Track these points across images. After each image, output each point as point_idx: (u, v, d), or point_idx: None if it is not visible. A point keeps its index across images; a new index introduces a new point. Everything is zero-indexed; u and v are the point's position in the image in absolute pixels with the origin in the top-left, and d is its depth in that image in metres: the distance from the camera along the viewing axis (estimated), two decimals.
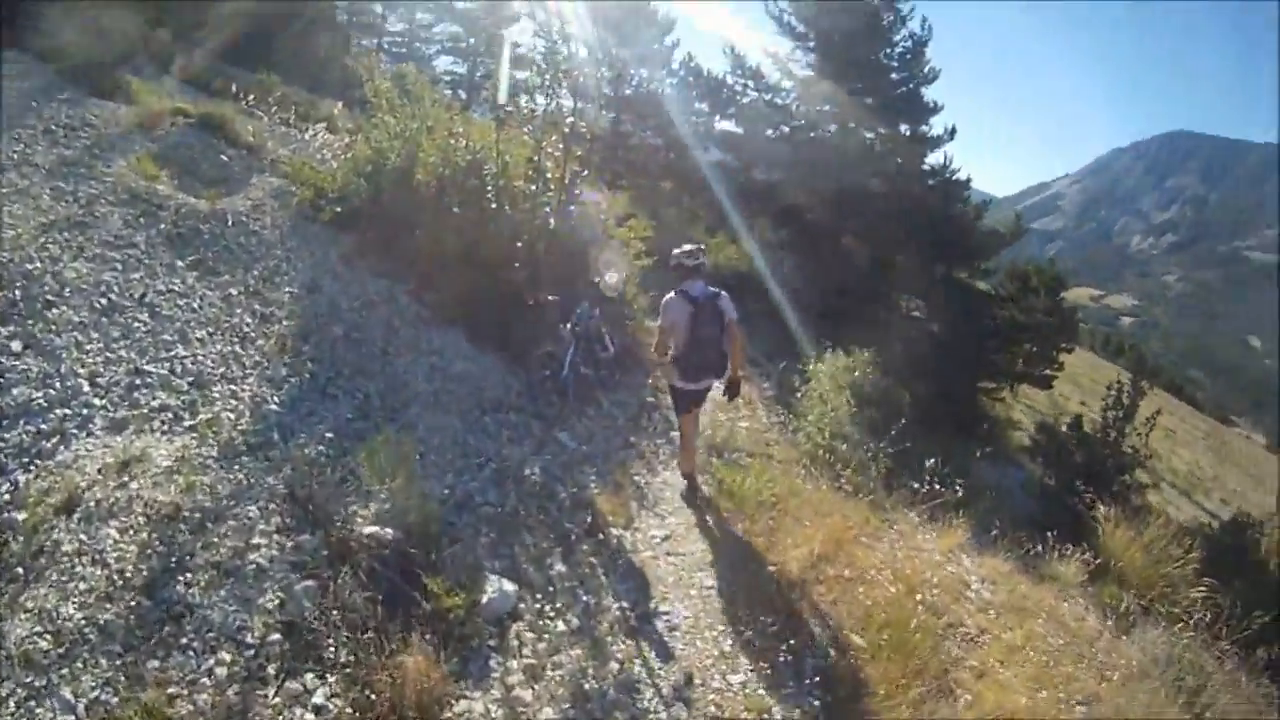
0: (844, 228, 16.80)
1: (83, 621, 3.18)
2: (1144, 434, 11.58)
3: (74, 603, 3.25)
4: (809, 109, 18.02)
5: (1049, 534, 7.16)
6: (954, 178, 17.10)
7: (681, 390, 5.80)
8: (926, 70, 17.09)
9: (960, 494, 6.84)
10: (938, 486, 6.80)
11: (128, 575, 3.42)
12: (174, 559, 3.57)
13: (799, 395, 8.69)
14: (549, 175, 7.53)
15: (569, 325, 7.14)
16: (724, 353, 5.57)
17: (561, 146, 7.58)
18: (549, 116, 7.56)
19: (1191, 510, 18.89)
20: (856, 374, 8.64)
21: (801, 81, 18.01)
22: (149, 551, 3.56)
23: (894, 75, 17.17)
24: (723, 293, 5.58)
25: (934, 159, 17.61)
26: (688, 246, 5.61)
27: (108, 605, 3.27)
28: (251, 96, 9.51)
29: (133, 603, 3.32)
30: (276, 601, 3.56)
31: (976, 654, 4.91)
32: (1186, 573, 7.17)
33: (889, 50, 17.13)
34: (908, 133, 17.39)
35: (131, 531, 3.63)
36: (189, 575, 3.53)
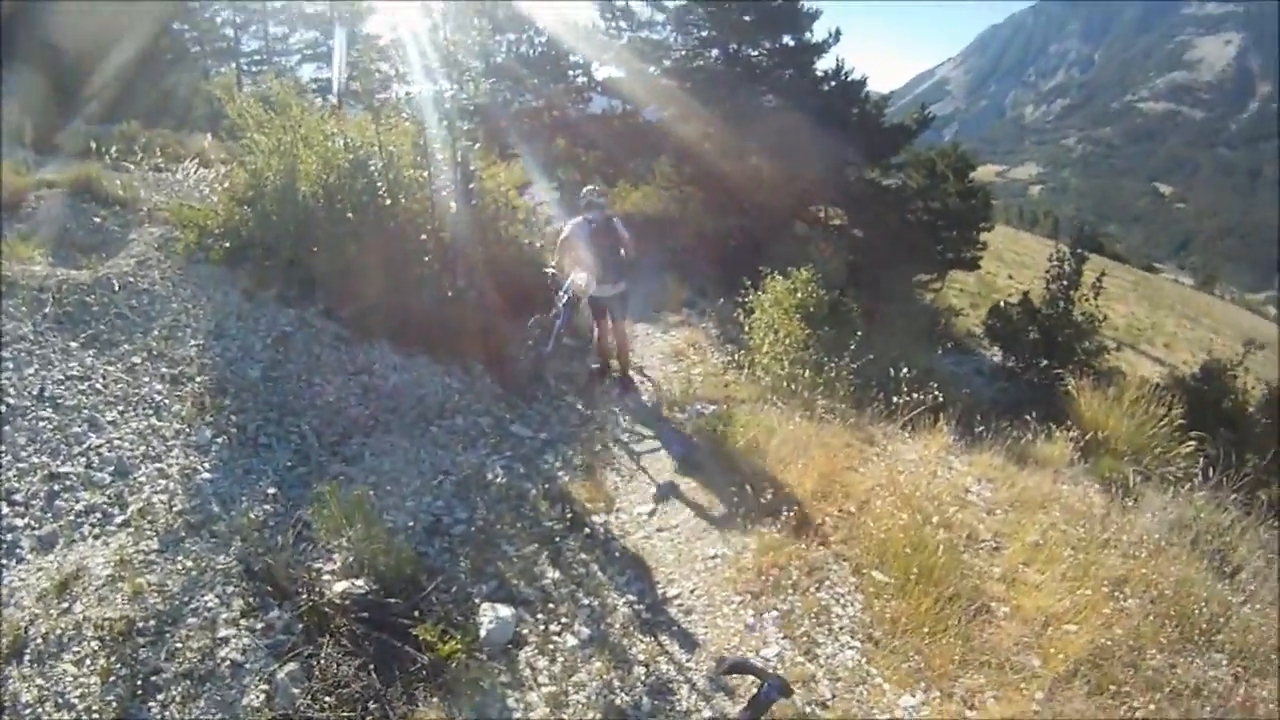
0: (747, 150, 16.39)
1: None
2: (1091, 298, 11.60)
3: None
4: (686, 38, 17.46)
5: (1028, 417, 7.10)
6: (849, 79, 16.81)
7: (596, 298, 6.89)
8: None
9: (939, 398, 6.68)
10: (914, 395, 6.63)
11: (96, 713, 3.05)
12: (140, 680, 3.20)
13: (746, 329, 8.41)
14: (440, 158, 7.07)
15: (562, 293, 6.98)
16: (621, 260, 6.85)
17: (446, 125, 7.12)
18: (422, 102, 7.10)
19: (1137, 359, 19.40)
20: (800, 295, 8.31)
21: (674, 12, 17.35)
22: (112, 679, 3.18)
23: None
24: (615, 216, 7.09)
25: (826, 64, 17.25)
26: (588, 187, 7.06)
27: None
28: (115, 149, 8.85)
29: None
30: (261, 697, 3.21)
31: (999, 560, 4.83)
32: (1173, 429, 7.21)
33: None
34: (792, 43, 16.96)
35: (88, 661, 3.25)
36: (161, 694, 3.16)
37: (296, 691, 3.20)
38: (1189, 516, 5.42)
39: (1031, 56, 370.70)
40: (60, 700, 3.08)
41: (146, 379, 5.21)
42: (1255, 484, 6.06)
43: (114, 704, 3.08)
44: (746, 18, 16.25)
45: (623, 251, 6.83)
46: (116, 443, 4.60)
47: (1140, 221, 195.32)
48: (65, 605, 3.49)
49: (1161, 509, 5.56)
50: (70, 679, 3.16)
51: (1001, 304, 13.88)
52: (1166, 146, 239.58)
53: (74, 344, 5.31)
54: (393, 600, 3.64)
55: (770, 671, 2.07)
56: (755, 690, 1.92)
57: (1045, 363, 11.25)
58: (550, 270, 7.19)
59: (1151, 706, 3.72)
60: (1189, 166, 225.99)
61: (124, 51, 14.60)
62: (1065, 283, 11.67)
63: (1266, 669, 4.08)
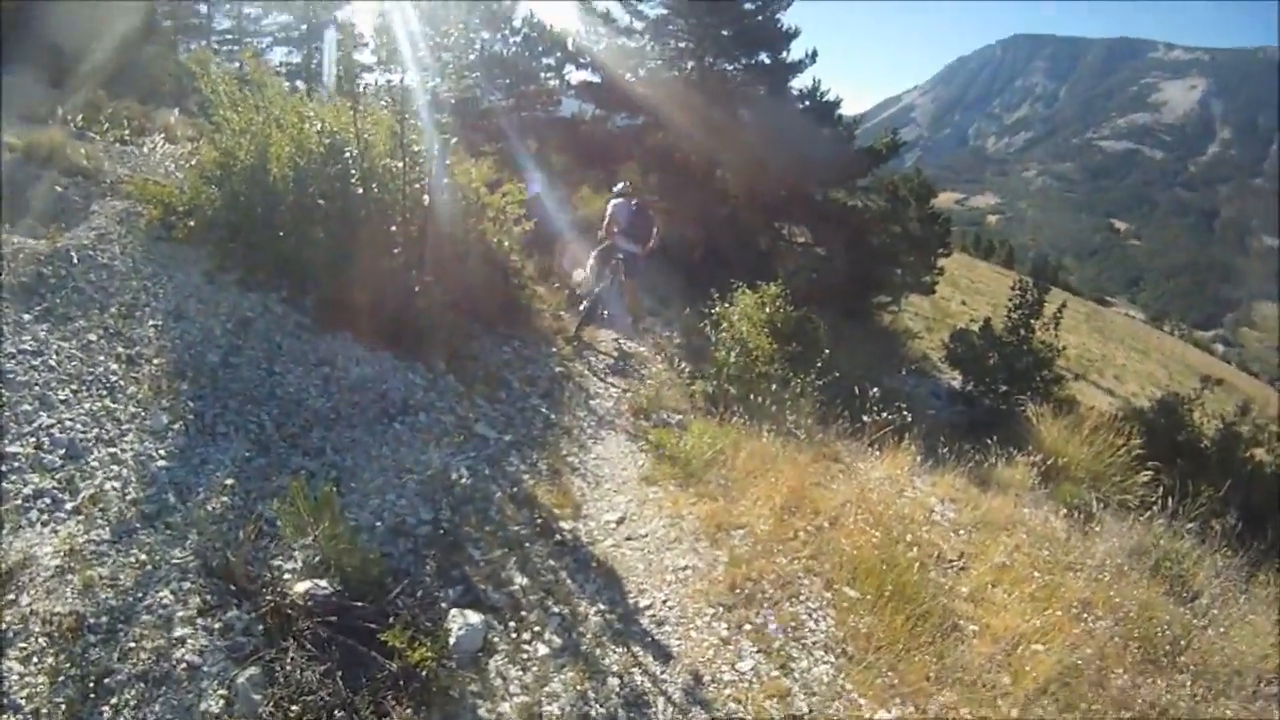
0: (716, 164, 16.48)
1: None
2: (1051, 328, 11.83)
3: None
4: (664, 48, 17.30)
5: (989, 440, 7.19)
6: (824, 100, 16.98)
7: (614, 247, 8.90)
8: None
9: (908, 418, 6.73)
10: (882, 414, 6.71)
11: (45, 715, 2.83)
12: (91, 681, 2.98)
13: (713, 341, 8.41)
14: (416, 149, 6.91)
15: (617, 259, 8.80)
16: (648, 234, 9.13)
17: (423, 117, 6.99)
18: (402, 91, 6.91)
19: (1089, 390, 19.85)
20: (768, 310, 8.32)
21: (653, 21, 17.11)
22: (61, 679, 2.96)
23: (747, 4, 16.50)
24: (643, 203, 9.45)
25: (801, 83, 17.42)
26: (620, 185, 9.49)
27: None
28: (80, 118, 8.54)
29: None
30: (221, 703, 3.03)
31: (967, 580, 4.87)
32: (1129, 459, 7.40)
33: None
34: (768, 60, 17.02)
35: (35, 659, 3.01)
36: (114, 698, 2.95)
37: (258, 698, 3.04)
38: (1148, 543, 5.53)
39: (997, 89, 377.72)
40: (4, 701, 2.86)
41: (102, 358, 4.94)
42: (1210, 514, 6.23)
43: (63, 706, 2.87)
44: (725, 32, 16.25)
45: (655, 229, 9.20)
46: (69, 423, 4.33)
47: (1095, 256, 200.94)
48: (11, 597, 3.24)
49: (1121, 535, 5.65)
50: (16, 678, 2.94)
51: (963, 328, 14.08)
52: (1125, 184, 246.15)
53: (27, 316, 5.02)
54: (359, 604, 3.49)
55: None
56: None
57: (1005, 388, 11.42)
58: (600, 235, 9.09)
59: None
60: (1146, 205, 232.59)
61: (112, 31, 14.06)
62: (1027, 312, 11.88)
63: (1229, 690, 4.15)
